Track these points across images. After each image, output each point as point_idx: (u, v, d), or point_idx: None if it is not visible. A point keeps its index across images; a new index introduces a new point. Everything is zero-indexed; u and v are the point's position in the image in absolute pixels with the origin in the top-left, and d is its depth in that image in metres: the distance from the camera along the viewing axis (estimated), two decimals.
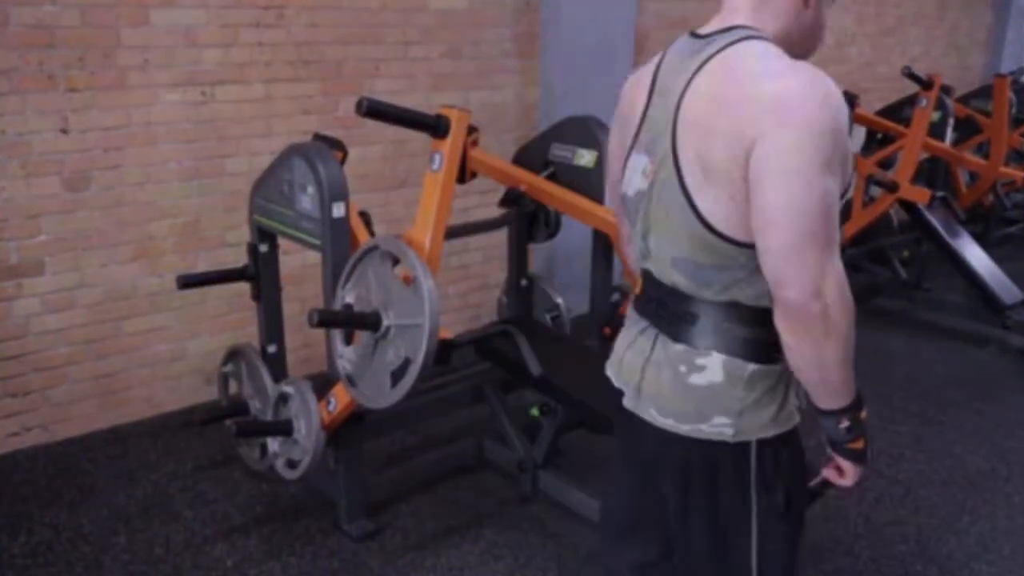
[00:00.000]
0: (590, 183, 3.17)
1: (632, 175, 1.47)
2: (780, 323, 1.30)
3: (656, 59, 1.47)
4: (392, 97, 2.92)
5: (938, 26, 7.05)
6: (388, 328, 2.27)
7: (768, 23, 1.36)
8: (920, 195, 4.49)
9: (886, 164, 4.87)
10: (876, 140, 5.18)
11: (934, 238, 4.65)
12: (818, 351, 1.28)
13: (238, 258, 2.98)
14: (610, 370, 1.61)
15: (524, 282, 3.41)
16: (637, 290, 1.59)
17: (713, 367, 1.40)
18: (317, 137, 2.80)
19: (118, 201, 3.16)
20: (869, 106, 5.24)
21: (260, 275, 2.83)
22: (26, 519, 2.77)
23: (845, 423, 1.37)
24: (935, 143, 4.88)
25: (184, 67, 3.20)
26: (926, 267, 5.20)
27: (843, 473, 1.47)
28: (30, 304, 3.06)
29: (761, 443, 1.41)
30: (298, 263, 3.47)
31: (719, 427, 1.40)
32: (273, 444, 2.75)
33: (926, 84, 4.52)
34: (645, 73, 1.49)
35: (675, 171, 1.34)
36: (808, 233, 1.23)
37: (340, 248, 2.46)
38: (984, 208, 5.70)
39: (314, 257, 2.60)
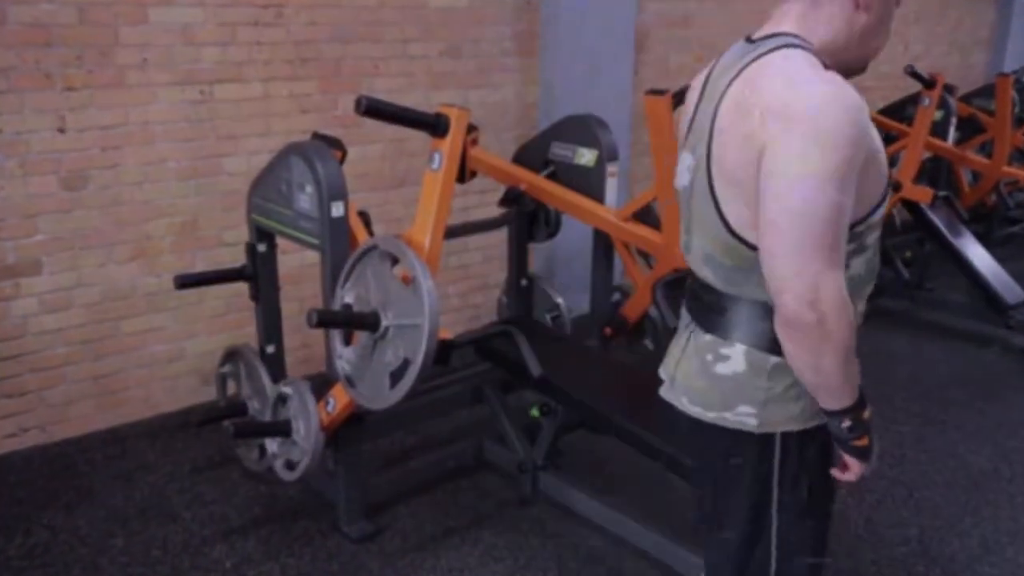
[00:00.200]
0: (590, 182, 3.16)
1: (681, 170, 1.54)
2: (778, 329, 1.33)
3: (713, 61, 1.52)
4: (391, 96, 2.91)
5: (941, 24, 7.03)
6: (387, 328, 2.27)
7: (815, 30, 1.39)
8: (923, 194, 4.47)
9: (888, 164, 4.84)
10: None
11: (937, 238, 4.64)
12: (815, 359, 1.31)
13: (236, 258, 2.97)
14: (661, 368, 1.66)
15: (524, 282, 3.40)
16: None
17: (737, 357, 1.45)
18: (316, 136, 2.79)
19: (116, 200, 3.15)
20: (871, 105, 5.15)
21: (258, 275, 2.82)
22: (23, 521, 2.76)
23: (847, 423, 1.39)
24: (938, 142, 4.86)
25: (182, 66, 3.18)
26: (928, 267, 5.18)
27: (847, 469, 1.49)
28: (27, 304, 3.04)
29: (785, 436, 1.46)
30: (297, 263, 3.46)
31: (743, 416, 1.45)
32: (272, 445, 2.74)
33: (928, 83, 4.50)
34: (702, 75, 1.54)
35: (707, 175, 1.40)
36: (807, 242, 1.25)
37: (339, 248, 2.45)
38: (987, 207, 5.69)
39: (313, 257, 2.59)
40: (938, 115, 4.72)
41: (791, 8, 1.40)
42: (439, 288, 2.23)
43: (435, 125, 2.34)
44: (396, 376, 2.25)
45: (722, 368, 1.47)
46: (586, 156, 3.15)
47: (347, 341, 2.43)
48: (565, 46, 4.11)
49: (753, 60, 1.36)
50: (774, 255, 1.28)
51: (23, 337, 3.06)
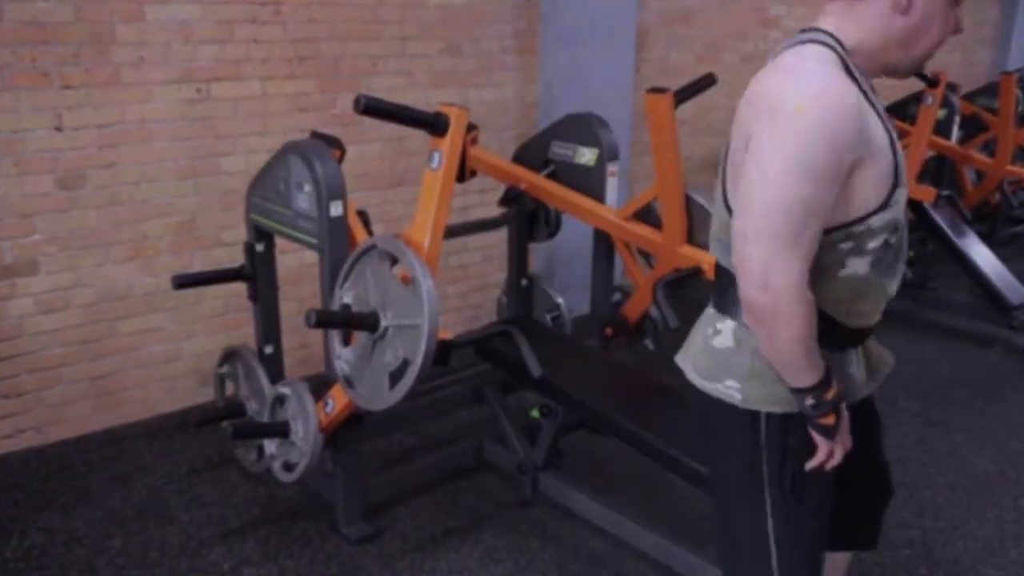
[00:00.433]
0: (591, 181, 3.14)
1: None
2: (742, 308, 1.41)
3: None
4: (390, 94, 2.89)
5: None
6: (386, 329, 2.26)
7: (849, 30, 1.42)
8: (926, 194, 4.46)
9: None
10: None
11: (940, 237, 4.62)
12: (772, 339, 1.39)
13: (234, 258, 2.96)
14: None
15: (524, 282, 3.38)
16: None
17: (727, 332, 1.54)
18: (314, 135, 2.77)
19: (113, 200, 3.13)
20: None
21: (257, 275, 2.81)
22: (19, 522, 2.75)
23: (811, 400, 1.44)
24: (941, 141, 4.85)
25: (179, 64, 3.16)
26: (931, 266, 5.15)
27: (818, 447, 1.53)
28: (24, 304, 3.03)
29: (770, 417, 1.50)
30: (295, 263, 3.44)
31: (730, 389, 1.52)
32: (270, 446, 2.73)
33: (931, 81, 4.49)
34: None
35: (724, 160, 1.49)
36: (769, 229, 1.31)
37: (338, 247, 2.44)
38: (990, 207, 5.65)
39: (311, 257, 2.58)
40: (941, 114, 4.71)
41: (834, 7, 1.44)
42: (439, 288, 2.22)
43: (434, 124, 2.33)
44: (395, 377, 2.24)
45: (716, 341, 1.55)
46: (586, 155, 3.13)
47: (346, 341, 2.42)
48: (565, 44, 4.09)
49: (781, 52, 1.43)
50: (738, 236, 1.37)
51: (20, 337, 3.04)
